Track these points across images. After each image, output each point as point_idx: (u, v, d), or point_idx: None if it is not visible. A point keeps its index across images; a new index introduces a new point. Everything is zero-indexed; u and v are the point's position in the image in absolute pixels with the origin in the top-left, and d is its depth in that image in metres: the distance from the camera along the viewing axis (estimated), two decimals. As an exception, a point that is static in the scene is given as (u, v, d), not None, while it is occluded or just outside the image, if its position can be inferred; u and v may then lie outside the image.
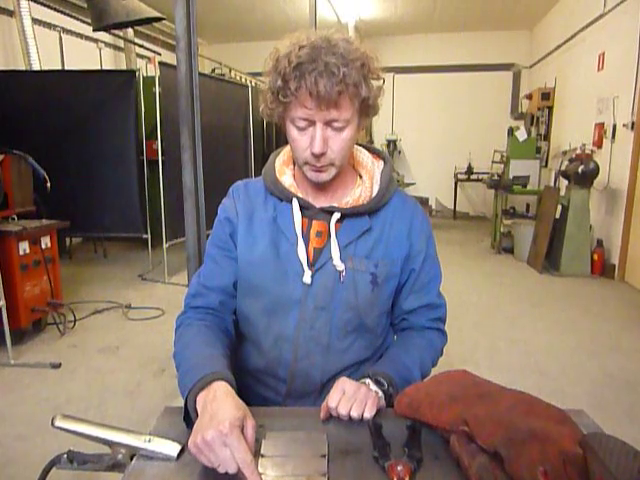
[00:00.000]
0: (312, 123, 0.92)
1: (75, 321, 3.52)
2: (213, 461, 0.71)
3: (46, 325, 3.51)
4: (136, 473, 0.74)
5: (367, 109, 0.95)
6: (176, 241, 4.81)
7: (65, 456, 0.81)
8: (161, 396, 2.60)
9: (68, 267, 4.96)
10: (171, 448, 0.77)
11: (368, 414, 0.86)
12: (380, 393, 0.93)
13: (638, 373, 2.90)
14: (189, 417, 0.83)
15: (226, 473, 0.71)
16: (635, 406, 2.54)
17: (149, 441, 0.77)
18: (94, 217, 4.94)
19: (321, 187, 1.04)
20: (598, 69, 5.45)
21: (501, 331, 3.59)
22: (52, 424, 0.78)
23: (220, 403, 0.77)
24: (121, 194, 4.94)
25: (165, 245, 4.77)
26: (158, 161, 4.72)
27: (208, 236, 1.15)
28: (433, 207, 8.99)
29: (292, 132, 0.95)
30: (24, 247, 3.17)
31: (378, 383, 0.94)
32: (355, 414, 0.85)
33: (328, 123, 0.91)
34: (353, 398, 0.87)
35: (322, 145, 0.92)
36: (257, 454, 0.76)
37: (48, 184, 3.68)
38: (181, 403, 0.88)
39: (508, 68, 8.53)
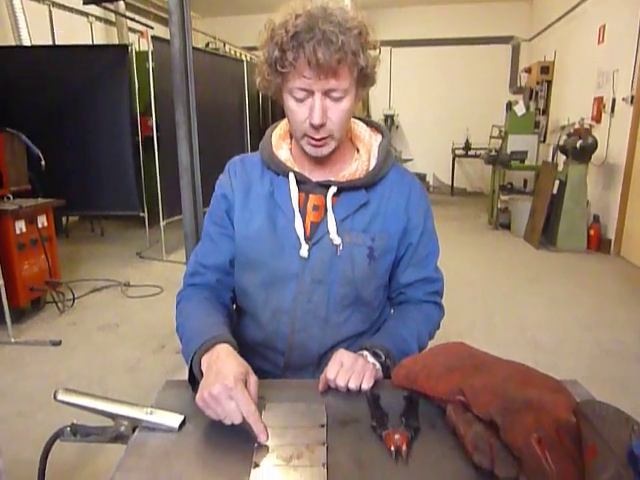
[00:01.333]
0: (311, 93, 0.91)
1: (74, 299, 3.53)
2: (219, 413, 0.75)
3: (45, 304, 3.52)
4: (139, 444, 0.75)
5: (365, 79, 0.95)
6: (173, 219, 4.80)
7: (68, 429, 0.82)
8: (161, 372, 2.63)
9: (65, 246, 4.95)
10: (173, 420, 0.78)
11: (366, 385, 0.87)
12: (377, 365, 0.94)
13: (632, 346, 2.94)
14: (194, 381, 0.87)
15: (232, 424, 0.74)
16: (628, 377, 2.58)
17: (151, 413, 0.79)
18: (90, 195, 4.91)
19: (318, 161, 1.03)
20: (598, 42, 5.37)
21: (497, 306, 3.62)
22: (54, 398, 0.79)
23: (224, 361, 0.81)
24: (116, 172, 4.90)
25: (162, 223, 4.76)
26: (153, 138, 4.67)
27: (205, 213, 1.16)
28: (430, 183, 8.96)
29: (290, 104, 0.94)
30: (20, 226, 3.16)
31: (375, 355, 0.95)
32: (353, 385, 0.86)
33: (327, 93, 0.91)
34: (351, 370, 0.88)
35: (321, 115, 0.91)
36: (260, 407, 0.78)
37: (42, 162, 3.65)
38: (182, 377, 0.90)
39: (507, 41, 8.39)
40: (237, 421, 0.74)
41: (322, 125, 0.92)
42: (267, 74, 0.93)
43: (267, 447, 0.73)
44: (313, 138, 0.95)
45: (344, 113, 0.94)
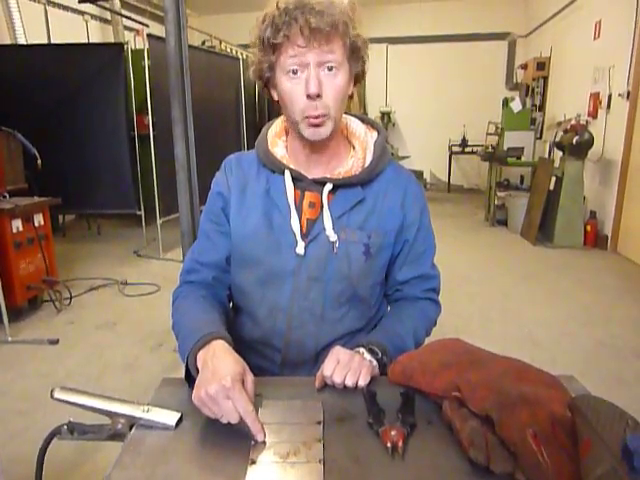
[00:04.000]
0: (305, 67, 0.91)
1: (71, 298, 3.53)
2: (217, 413, 0.75)
3: (42, 302, 3.51)
4: (135, 442, 0.75)
5: (357, 53, 0.95)
6: (170, 217, 4.79)
7: (65, 427, 0.82)
8: (159, 370, 2.63)
9: (62, 244, 4.94)
10: (169, 417, 0.79)
11: (362, 382, 0.87)
12: (374, 362, 0.94)
13: (629, 341, 2.96)
14: (189, 377, 0.87)
15: (228, 423, 0.75)
16: (625, 373, 2.60)
17: (147, 411, 0.79)
18: (87, 194, 4.90)
19: (314, 157, 1.03)
20: (594, 37, 5.38)
21: (494, 302, 3.63)
22: (51, 396, 0.79)
23: (220, 359, 0.81)
24: (113, 170, 4.89)
25: (159, 221, 4.76)
26: (149, 136, 4.66)
27: (202, 211, 1.16)
28: (427, 180, 8.95)
29: (285, 85, 0.94)
30: (17, 225, 3.16)
31: (372, 352, 0.95)
32: (349, 382, 0.87)
33: (321, 65, 0.91)
34: (347, 367, 0.88)
35: (317, 84, 0.91)
36: (257, 406, 0.79)
37: (39, 161, 3.64)
38: (179, 375, 0.90)
39: (503, 37, 8.39)
40: (234, 421, 0.74)
41: (319, 96, 0.92)
42: (261, 55, 0.94)
43: (264, 444, 0.73)
44: (311, 116, 0.94)
45: (339, 88, 0.94)
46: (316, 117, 0.94)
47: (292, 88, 0.93)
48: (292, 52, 0.90)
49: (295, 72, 0.92)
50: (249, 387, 0.79)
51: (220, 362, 0.80)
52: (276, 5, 0.89)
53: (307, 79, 0.91)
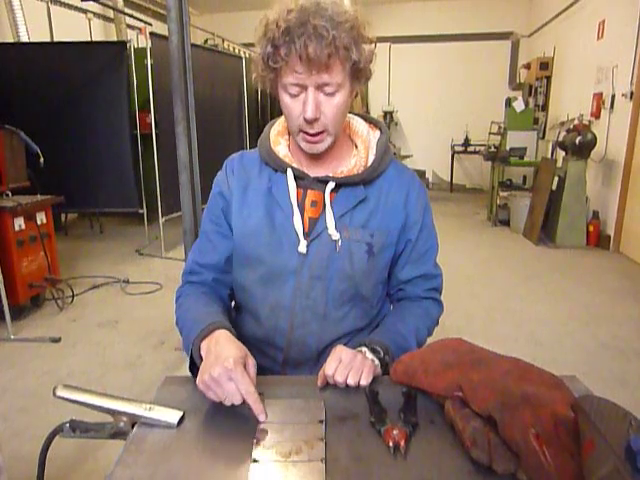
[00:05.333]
0: (304, 88, 0.91)
1: (73, 296, 3.53)
2: (220, 395, 0.78)
3: (44, 301, 3.52)
4: (138, 440, 0.75)
5: (358, 73, 0.94)
6: (172, 215, 4.79)
7: (68, 425, 0.82)
8: (161, 368, 2.63)
9: (64, 243, 4.95)
10: (172, 416, 0.79)
11: (364, 381, 0.87)
12: (376, 361, 0.94)
13: (631, 341, 2.95)
14: (194, 368, 0.89)
15: (232, 405, 0.77)
16: (627, 373, 2.59)
17: (150, 409, 0.79)
18: (89, 192, 4.91)
19: (316, 157, 1.03)
20: (598, 38, 5.36)
21: (496, 302, 3.62)
22: (54, 394, 0.79)
23: (223, 346, 0.84)
24: (115, 169, 4.89)
25: (161, 220, 4.76)
26: (152, 134, 4.66)
27: (204, 210, 1.16)
28: (430, 180, 8.94)
29: (285, 99, 0.94)
30: (19, 223, 3.16)
31: (374, 351, 0.95)
32: (352, 382, 0.87)
33: (320, 87, 0.90)
34: (350, 366, 0.88)
35: (314, 110, 0.91)
36: (258, 389, 0.81)
37: (41, 159, 3.64)
38: (181, 373, 0.91)
39: (506, 37, 8.37)
40: (237, 402, 0.77)
41: (316, 119, 0.92)
42: (262, 70, 0.94)
43: (266, 443, 0.73)
44: (308, 133, 0.95)
45: (338, 108, 0.93)
46: (313, 135, 0.95)
47: (291, 106, 0.94)
48: (291, 76, 0.89)
49: (294, 90, 0.92)
50: (251, 370, 0.82)
51: (222, 348, 0.83)
52: (276, 24, 0.87)
53: (305, 102, 0.91)
